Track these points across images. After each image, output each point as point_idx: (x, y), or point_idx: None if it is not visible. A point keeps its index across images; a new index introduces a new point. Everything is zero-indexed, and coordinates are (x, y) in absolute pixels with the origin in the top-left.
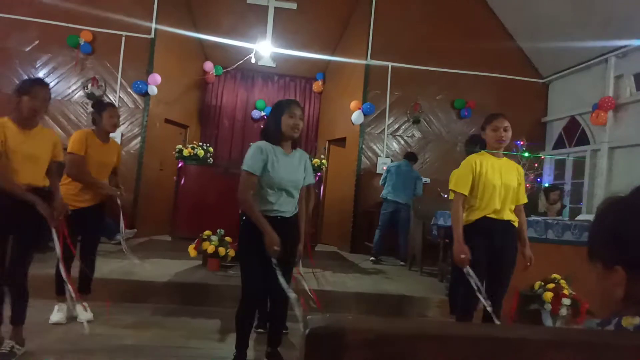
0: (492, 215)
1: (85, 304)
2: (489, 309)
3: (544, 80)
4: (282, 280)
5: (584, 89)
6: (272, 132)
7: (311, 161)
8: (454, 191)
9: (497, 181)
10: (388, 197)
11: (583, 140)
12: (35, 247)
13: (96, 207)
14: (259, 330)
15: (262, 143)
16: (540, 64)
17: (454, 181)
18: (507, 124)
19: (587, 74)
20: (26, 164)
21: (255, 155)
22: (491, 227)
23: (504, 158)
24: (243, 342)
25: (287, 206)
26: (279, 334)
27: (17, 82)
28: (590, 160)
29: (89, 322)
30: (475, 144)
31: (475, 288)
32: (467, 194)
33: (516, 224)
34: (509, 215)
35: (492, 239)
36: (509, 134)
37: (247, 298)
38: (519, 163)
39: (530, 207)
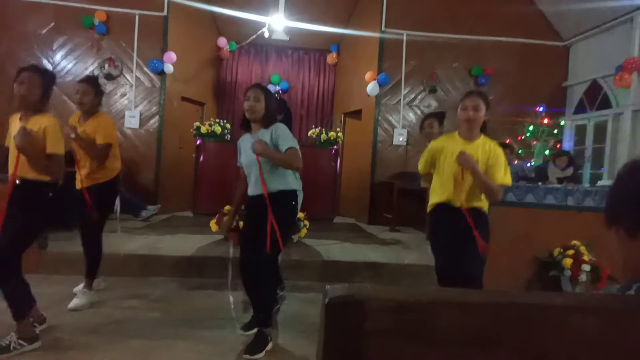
0: (449, 202)
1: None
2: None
3: (565, 44)
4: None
5: (607, 50)
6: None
7: (287, 131)
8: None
9: (455, 167)
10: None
11: (605, 104)
12: (26, 235)
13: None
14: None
15: (243, 136)
16: (561, 27)
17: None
18: (478, 102)
19: (611, 34)
20: (18, 156)
21: (238, 148)
22: (450, 212)
23: (479, 140)
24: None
25: (255, 187)
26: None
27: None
28: (612, 125)
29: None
30: (426, 118)
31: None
32: (423, 172)
33: (485, 209)
34: (469, 202)
35: (454, 223)
36: (480, 113)
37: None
38: (538, 132)
39: (544, 179)
